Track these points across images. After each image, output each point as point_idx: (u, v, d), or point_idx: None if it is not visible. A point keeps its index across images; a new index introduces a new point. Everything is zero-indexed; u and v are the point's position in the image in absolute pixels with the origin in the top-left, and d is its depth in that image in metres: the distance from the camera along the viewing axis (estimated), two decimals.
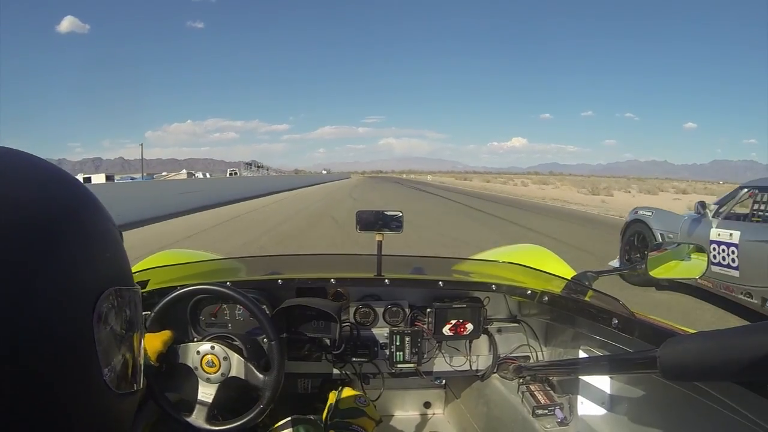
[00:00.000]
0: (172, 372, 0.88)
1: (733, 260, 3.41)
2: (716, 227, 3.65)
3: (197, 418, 0.86)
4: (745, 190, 3.80)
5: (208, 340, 0.89)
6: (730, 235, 3.47)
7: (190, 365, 0.87)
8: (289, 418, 0.92)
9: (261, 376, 0.88)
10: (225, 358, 0.86)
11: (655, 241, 4.23)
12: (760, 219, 3.58)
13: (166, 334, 0.87)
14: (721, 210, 3.79)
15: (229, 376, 0.86)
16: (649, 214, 4.57)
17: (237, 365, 0.87)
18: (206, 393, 0.87)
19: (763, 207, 3.64)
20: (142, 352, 0.45)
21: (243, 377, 0.88)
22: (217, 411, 0.88)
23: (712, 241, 3.58)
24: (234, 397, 0.92)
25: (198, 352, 0.86)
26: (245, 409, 0.88)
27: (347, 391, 0.98)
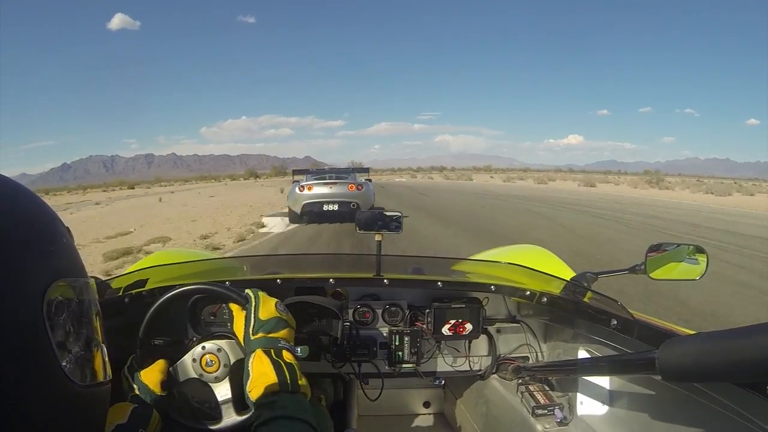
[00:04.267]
0: (183, 394, 0.86)
1: None
2: None
3: (227, 417, 0.85)
4: None
5: (197, 343, 0.88)
6: None
7: (195, 376, 0.86)
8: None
9: None
10: (219, 350, 0.85)
11: None
12: None
13: (160, 364, 0.83)
14: None
15: (232, 363, 0.86)
16: None
17: (233, 350, 0.86)
18: (222, 391, 0.86)
19: None
20: (103, 341, 0.45)
21: (243, 375, 0.87)
22: (218, 410, 0.87)
23: None
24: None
25: (194, 360, 0.85)
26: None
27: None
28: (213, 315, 1.16)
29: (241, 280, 1.24)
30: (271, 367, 0.66)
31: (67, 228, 0.44)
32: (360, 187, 8.38)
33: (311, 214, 8.34)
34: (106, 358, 0.45)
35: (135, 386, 0.79)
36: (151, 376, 0.81)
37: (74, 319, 0.40)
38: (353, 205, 8.06)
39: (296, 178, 9.25)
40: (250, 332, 0.73)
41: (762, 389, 0.54)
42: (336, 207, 8.09)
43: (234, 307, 0.80)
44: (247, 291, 0.79)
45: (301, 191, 8.33)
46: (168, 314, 0.90)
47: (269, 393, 0.64)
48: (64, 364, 0.37)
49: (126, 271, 1.25)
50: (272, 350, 0.69)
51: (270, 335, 0.72)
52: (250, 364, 0.68)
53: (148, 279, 1.11)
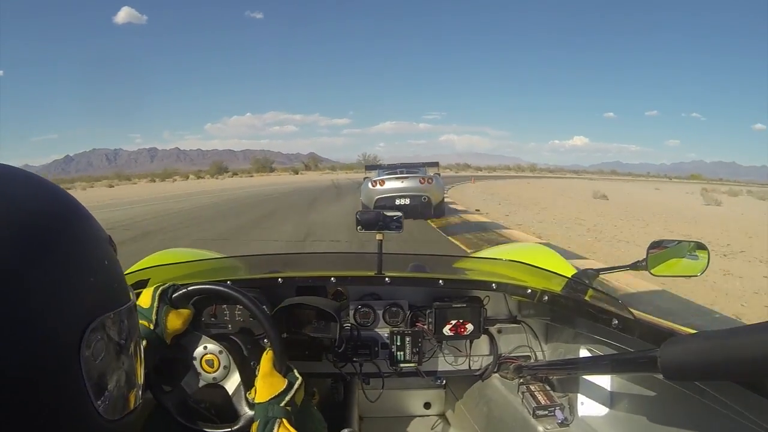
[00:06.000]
0: (180, 391, 0.86)
1: None
2: None
3: (224, 420, 0.85)
4: None
5: (199, 342, 0.88)
6: None
7: (190, 362, 0.86)
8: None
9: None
10: (221, 352, 0.85)
11: None
12: None
13: (186, 312, 0.84)
14: None
15: (228, 375, 0.86)
16: None
17: (234, 353, 0.86)
18: (221, 393, 0.86)
19: None
20: (141, 369, 0.42)
21: (243, 377, 0.87)
22: (215, 411, 0.87)
23: None
24: (248, 381, 0.91)
25: (194, 358, 0.85)
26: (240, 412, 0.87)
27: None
28: (213, 316, 1.17)
29: (242, 279, 1.24)
30: None
31: (109, 237, 0.40)
32: (430, 181, 8.40)
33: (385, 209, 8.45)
34: (142, 380, 0.43)
35: (154, 318, 0.79)
36: (175, 321, 0.81)
37: (113, 356, 0.37)
38: (424, 199, 8.17)
39: (368, 173, 9.36)
40: (282, 401, 0.77)
41: (763, 388, 0.54)
42: (408, 201, 8.15)
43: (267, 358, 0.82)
44: (297, 374, 0.83)
45: (373, 186, 8.36)
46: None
47: None
48: (98, 403, 0.35)
49: (126, 271, 1.25)
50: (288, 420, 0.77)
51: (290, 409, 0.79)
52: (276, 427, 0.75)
53: (149, 279, 1.11)
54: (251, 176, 49.39)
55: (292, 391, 0.78)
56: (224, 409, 0.88)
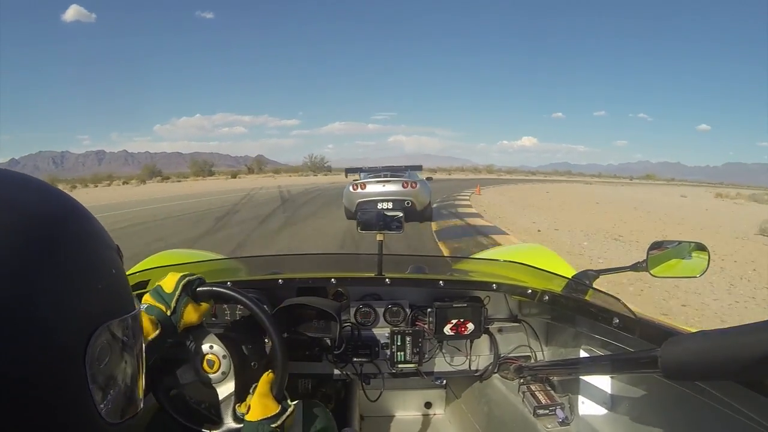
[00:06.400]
0: (171, 364, 0.87)
1: None
2: None
3: (220, 422, 0.85)
4: None
5: (200, 342, 0.87)
6: None
7: (191, 367, 0.86)
8: (299, 401, 0.92)
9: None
10: (224, 357, 0.85)
11: None
12: None
13: (205, 307, 0.84)
14: None
15: (231, 372, 0.86)
16: None
17: (237, 365, 0.86)
18: (193, 388, 0.86)
19: None
20: (143, 375, 0.43)
21: (237, 387, 0.86)
22: (214, 411, 0.87)
23: None
24: (240, 392, 0.91)
25: (197, 354, 0.85)
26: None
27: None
28: (214, 316, 1.17)
29: (243, 280, 1.24)
30: None
31: (117, 247, 0.41)
32: (414, 185, 8.11)
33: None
34: (143, 386, 0.43)
35: (173, 305, 0.78)
36: (191, 314, 0.81)
37: (118, 359, 0.37)
38: (407, 203, 7.90)
39: (350, 177, 8.98)
40: (273, 423, 0.78)
41: (765, 387, 0.54)
42: (390, 205, 7.83)
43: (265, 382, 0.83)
44: (290, 402, 0.84)
45: (354, 190, 8.14)
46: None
47: None
48: (101, 407, 0.35)
49: (127, 272, 1.24)
50: None
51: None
52: None
53: (149, 280, 1.11)
54: (179, 181, 41.86)
55: (284, 417, 0.80)
56: (209, 410, 0.88)
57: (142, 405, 0.43)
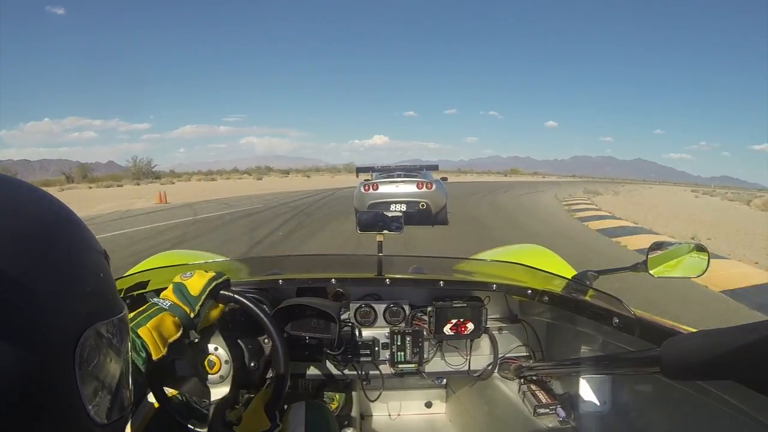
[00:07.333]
0: (172, 365, 0.87)
1: None
2: None
3: (195, 419, 0.85)
4: None
5: (204, 342, 0.87)
6: None
7: (191, 363, 0.86)
8: (302, 402, 0.95)
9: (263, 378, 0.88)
10: (226, 362, 0.85)
11: None
12: None
13: (221, 307, 0.85)
14: None
15: (229, 377, 0.86)
16: None
17: (238, 367, 0.86)
18: (198, 391, 0.86)
19: None
20: (131, 377, 0.43)
21: (231, 394, 0.86)
22: (206, 411, 0.87)
23: None
24: (233, 398, 0.92)
25: (201, 351, 0.85)
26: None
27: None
28: None
29: (243, 281, 1.24)
30: None
31: (104, 252, 0.41)
32: (430, 186, 7.66)
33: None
34: (131, 387, 0.44)
35: (197, 309, 0.77)
36: (213, 312, 0.82)
37: (106, 360, 0.38)
38: (422, 205, 7.57)
39: (361, 176, 8.60)
40: None
41: (765, 387, 0.54)
42: (404, 207, 7.52)
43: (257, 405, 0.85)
44: (279, 422, 0.86)
45: (366, 191, 7.73)
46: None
47: None
48: (90, 408, 0.35)
49: (127, 273, 1.25)
50: None
51: None
52: None
53: (149, 281, 1.11)
54: None
55: None
56: (203, 409, 0.88)
57: (131, 406, 0.43)
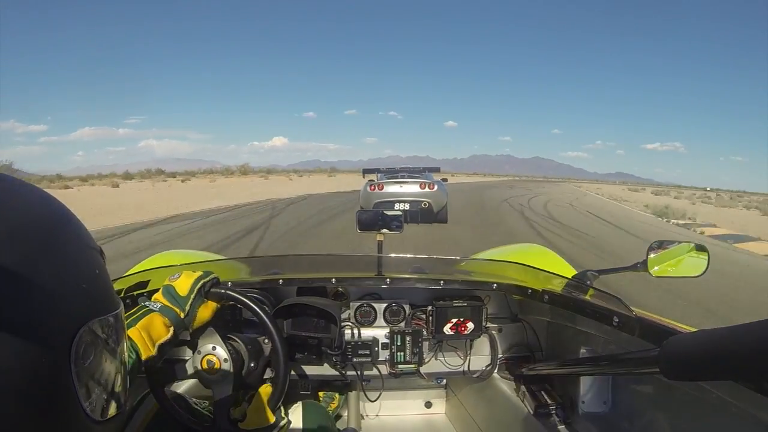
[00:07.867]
0: (171, 366, 0.87)
1: None
2: None
3: (195, 419, 0.85)
4: None
5: (203, 342, 0.87)
6: None
7: (190, 363, 0.86)
8: (300, 402, 0.95)
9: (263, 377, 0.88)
10: (226, 360, 0.85)
11: None
12: None
13: (214, 306, 0.84)
14: None
15: (229, 377, 0.86)
16: None
17: (237, 370, 0.86)
18: (200, 392, 0.86)
19: None
20: (126, 374, 0.43)
21: (244, 379, 0.87)
22: (209, 412, 0.87)
23: None
24: (233, 397, 0.92)
25: (199, 352, 0.85)
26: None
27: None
28: None
29: (243, 280, 1.24)
30: None
31: (100, 249, 0.42)
32: (432, 186, 8.15)
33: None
34: (128, 384, 0.44)
35: (187, 309, 0.78)
36: (204, 312, 0.81)
37: (102, 357, 0.38)
38: (425, 204, 7.98)
39: (367, 177, 9.05)
40: None
41: (764, 387, 0.54)
42: (407, 206, 7.93)
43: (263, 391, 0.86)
44: (283, 415, 0.88)
45: (372, 190, 8.20)
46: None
47: None
48: (86, 405, 0.36)
49: (127, 273, 1.25)
50: None
51: None
52: None
53: (149, 281, 1.11)
54: None
55: (278, 429, 0.84)
56: (205, 410, 0.88)
57: (126, 404, 0.43)
